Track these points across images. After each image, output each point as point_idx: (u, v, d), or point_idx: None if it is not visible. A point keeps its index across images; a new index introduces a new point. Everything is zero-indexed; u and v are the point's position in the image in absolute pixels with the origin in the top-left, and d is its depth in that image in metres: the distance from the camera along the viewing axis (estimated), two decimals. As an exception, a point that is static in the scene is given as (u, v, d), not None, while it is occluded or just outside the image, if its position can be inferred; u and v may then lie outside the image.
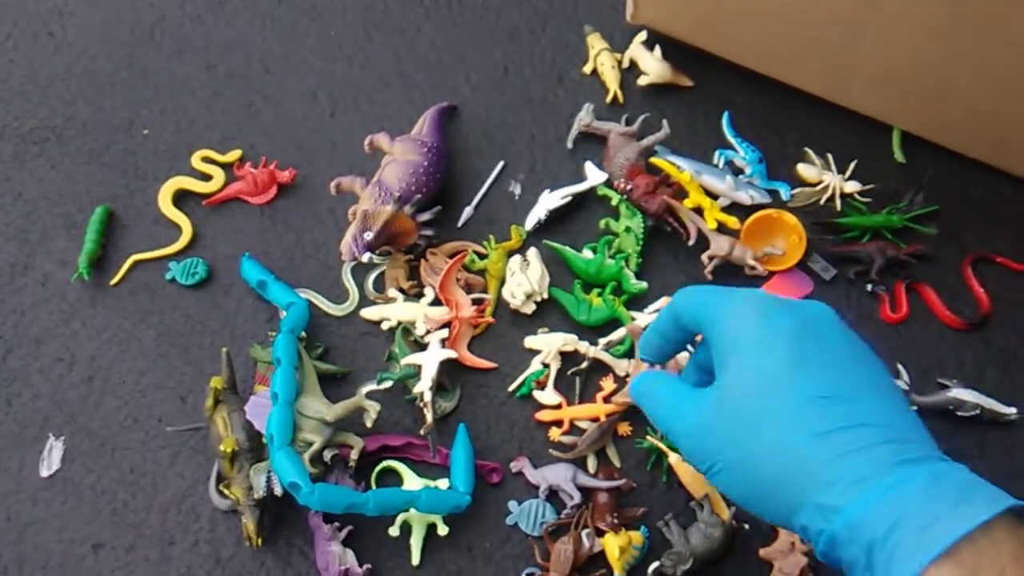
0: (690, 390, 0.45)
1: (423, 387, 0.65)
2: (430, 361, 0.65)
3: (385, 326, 0.69)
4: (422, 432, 0.64)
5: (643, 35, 0.78)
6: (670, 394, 0.46)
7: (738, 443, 0.41)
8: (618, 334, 0.67)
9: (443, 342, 0.67)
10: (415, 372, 0.66)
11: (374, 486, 0.64)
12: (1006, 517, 0.36)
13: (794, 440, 0.40)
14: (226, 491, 0.62)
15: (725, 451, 0.42)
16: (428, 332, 0.68)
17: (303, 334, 0.68)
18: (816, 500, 0.39)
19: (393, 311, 0.69)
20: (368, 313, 0.69)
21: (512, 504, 0.63)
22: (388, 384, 0.67)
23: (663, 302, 0.68)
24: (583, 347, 0.67)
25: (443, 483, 0.63)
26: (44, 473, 0.67)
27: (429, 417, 0.63)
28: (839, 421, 0.39)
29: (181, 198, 0.75)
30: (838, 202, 0.72)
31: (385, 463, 0.65)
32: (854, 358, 0.43)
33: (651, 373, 0.49)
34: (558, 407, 0.66)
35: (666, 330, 0.48)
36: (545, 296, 0.69)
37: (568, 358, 0.68)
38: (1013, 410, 0.64)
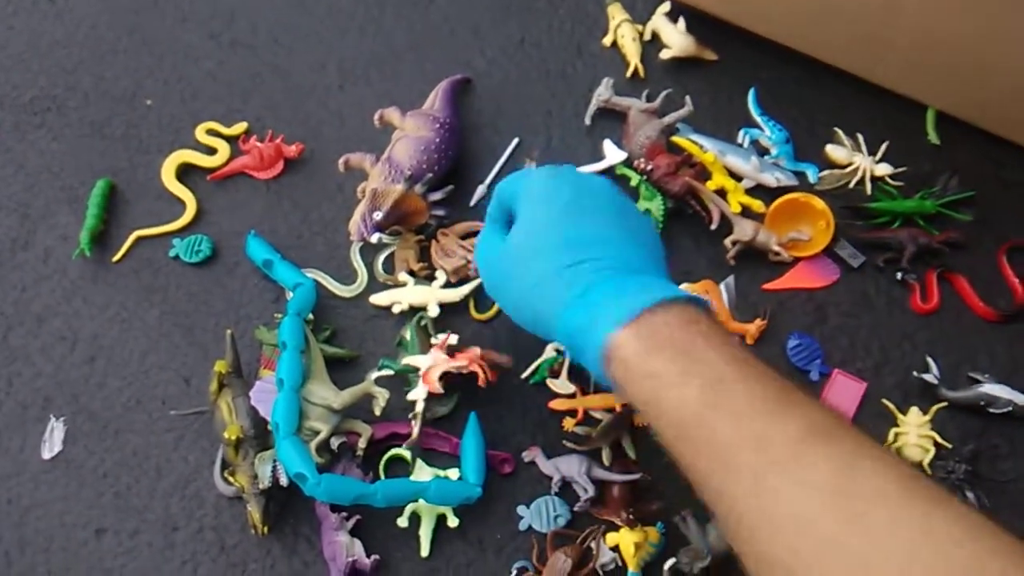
0: (497, 236, 0.54)
1: (417, 396, 0.61)
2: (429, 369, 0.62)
3: (396, 310, 0.66)
4: (404, 446, 0.62)
5: (666, 6, 0.75)
6: (483, 239, 0.57)
7: (514, 277, 0.51)
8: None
9: (451, 349, 0.63)
10: (415, 371, 0.63)
11: (382, 475, 0.63)
12: (684, 303, 0.45)
13: (549, 271, 0.49)
14: (231, 478, 0.61)
15: (506, 284, 0.53)
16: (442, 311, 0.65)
17: (310, 316, 0.66)
18: (561, 315, 0.48)
19: (404, 295, 0.66)
20: (378, 299, 0.67)
21: (521, 508, 0.61)
22: (389, 372, 0.64)
23: (684, 287, 0.66)
24: (599, 334, 0.64)
25: (453, 473, 0.62)
26: (46, 455, 0.65)
27: (416, 431, 0.61)
28: (586, 254, 0.48)
29: (185, 172, 0.73)
30: (868, 185, 0.69)
31: (394, 451, 0.63)
32: (617, 215, 0.52)
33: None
34: (572, 396, 0.64)
35: (493, 209, 0.57)
36: (560, 280, 0.66)
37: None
38: (1046, 407, 0.62)
